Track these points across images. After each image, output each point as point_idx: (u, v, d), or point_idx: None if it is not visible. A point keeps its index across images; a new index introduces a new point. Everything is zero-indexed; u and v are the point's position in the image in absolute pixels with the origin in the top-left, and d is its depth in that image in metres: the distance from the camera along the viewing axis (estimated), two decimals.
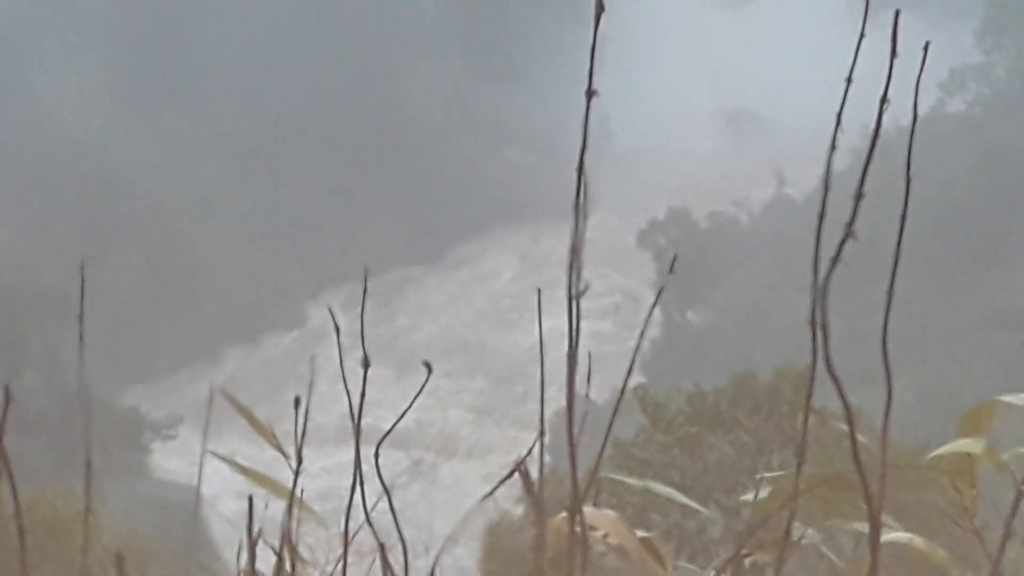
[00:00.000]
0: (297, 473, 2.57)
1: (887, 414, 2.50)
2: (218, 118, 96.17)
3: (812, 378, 2.39)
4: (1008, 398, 3.00)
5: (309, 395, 2.57)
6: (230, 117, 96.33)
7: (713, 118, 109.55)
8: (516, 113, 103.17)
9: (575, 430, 2.36)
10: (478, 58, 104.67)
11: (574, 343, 2.32)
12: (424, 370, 2.86)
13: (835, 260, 2.32)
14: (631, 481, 3.03)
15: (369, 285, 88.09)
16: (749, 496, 2.88)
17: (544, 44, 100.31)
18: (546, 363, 2.55)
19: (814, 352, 2.30)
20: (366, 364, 2.51)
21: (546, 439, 2.58)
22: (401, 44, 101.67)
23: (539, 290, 2.62)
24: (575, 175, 2.54)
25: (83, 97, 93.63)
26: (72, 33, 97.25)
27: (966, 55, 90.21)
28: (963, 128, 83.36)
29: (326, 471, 60.16)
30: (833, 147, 2.80)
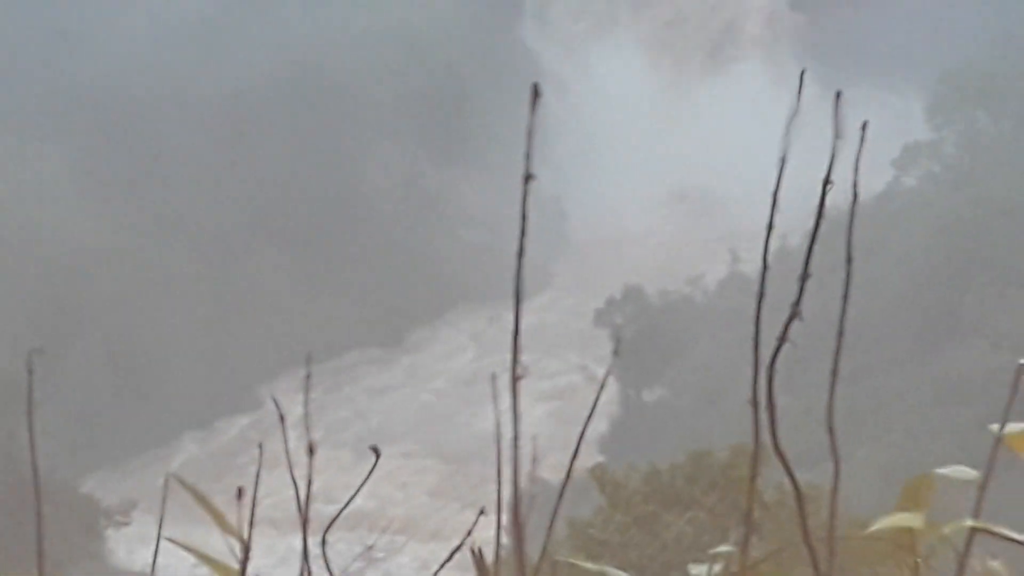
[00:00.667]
0: (244, 561, 2.57)
1: (835, 488, 2.52)
2: (176, 204, 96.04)
3: (756, 457, 2.41)
4: (944, 471, 3.02)
5: (257, 482, 2.57)
6: (187, 203, 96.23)
7: (666, 197, 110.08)
8: (472, 195, 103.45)
9: (521, 511, 2.36)
10: (434, 142, 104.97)
11: (515, 428, 2.33)
12: (382, 453, 2.87)
13: (781, 340, 2.35)
14: (587, 565, 3.04)
15: (326, 368, 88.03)
16: (700, 570, 2.88)
17: (500, 127, 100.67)
18: (503, 445, 2.55)
19: (756, 432, 2.32)
20: (311, 451, 2.52)
21: (502, 521, 2.58)
22: (357, 128, 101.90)
23: (494, 374, 2.63)
24: (517, 260, 2.56)
25: (41, 185, 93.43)
26: (30, 121, 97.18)
27: (918, 132, 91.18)
28: (916, 203, 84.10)
29: (282, 558, 59.83)
30: (770, 228, 2.82)
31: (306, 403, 2.91)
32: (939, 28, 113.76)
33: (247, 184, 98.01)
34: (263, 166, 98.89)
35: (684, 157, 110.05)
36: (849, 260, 2.93)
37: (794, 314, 2.42)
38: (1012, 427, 2.79)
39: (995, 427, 2.75)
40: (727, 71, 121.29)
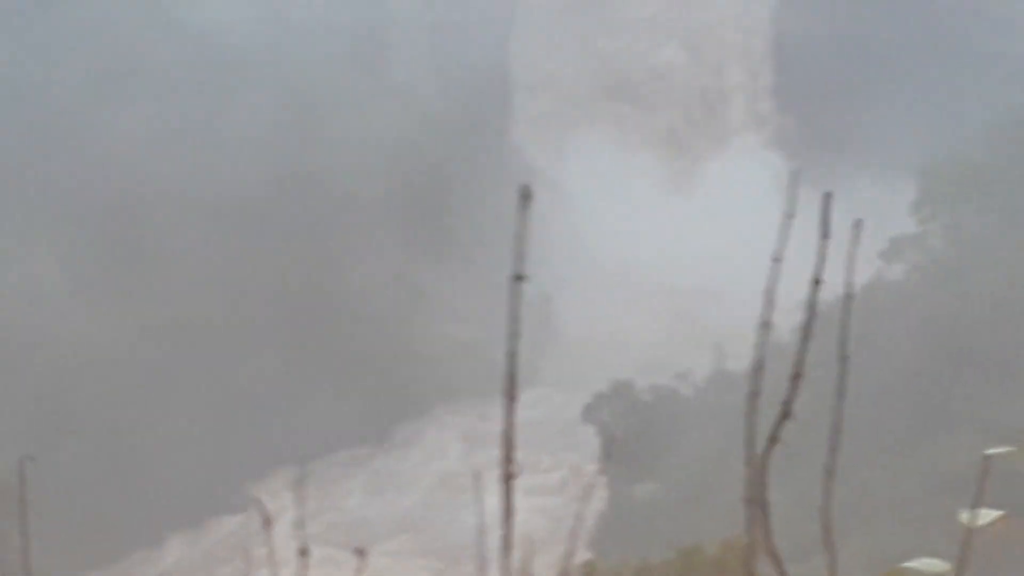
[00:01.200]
0: None
1: None
2: (167, 305, 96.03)
3: (752, 556, 2.43)
4: (913, 563, 3.03)
5: None
6: (178, 303, 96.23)
7: (654, 292, 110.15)
8: (460, 291, 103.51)
9: None
10: (423, 240, 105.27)
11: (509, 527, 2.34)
12: (370, 552, 2.87)
13: (773, 439, 2.36)
14: None
15: (315, 467, 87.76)
16: None
17: (488, 224, 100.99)
18: (492, 543, 2.57)
19: (750, 532, 2.32)
20: (303, 552, 2.52)
21: None
22: (347, 227, 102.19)
23: (479, 473, 2.65)
24: (508, 361, 2.59)
25: (33, 285, 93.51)
26: (22, 220, 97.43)
27: (904, 224, 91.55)
28: (902, 296, 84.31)
29: None
30: (764, 326, 2.83)
31: (298, 504, 2.90)
32: (926, 121, 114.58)
33: (238, 284, 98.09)
34: (254, 266, 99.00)
35: (672, 253, 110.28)
36: (844, 359, 2.94)
37: (786, 413, 2.44)
38: (983, 514, 2.80)
39: (965, 515, 2.75)
40: (714, 168, 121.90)
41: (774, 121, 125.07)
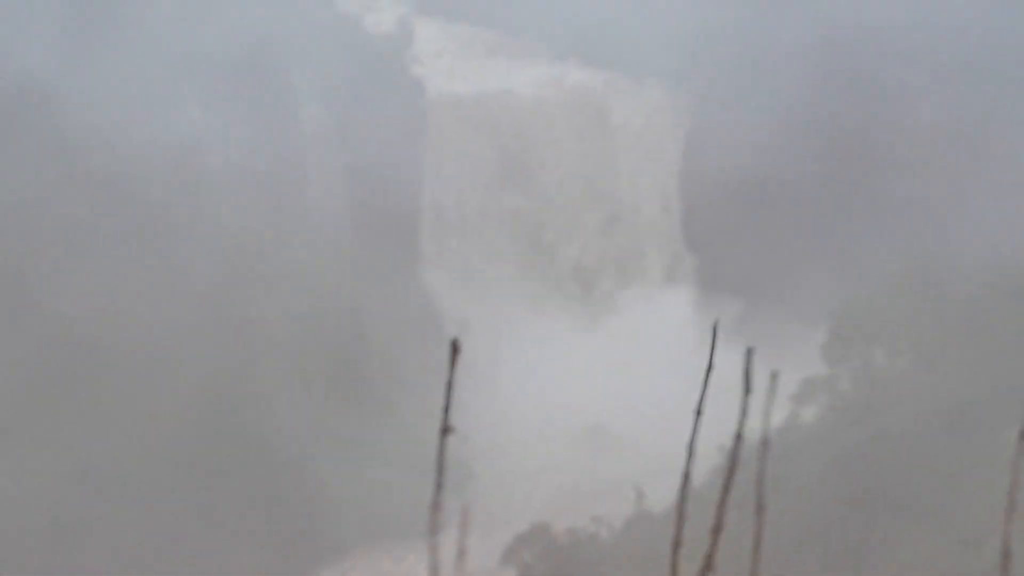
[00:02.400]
0: None
1: None
2: (78, 448, 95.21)
3: None
4: None
5: None
6: (90, 445, 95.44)
7: (572, 435, 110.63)
8: (379, 434, 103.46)
9: None
10: (340, 382, 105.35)
11: None
12: None
13: None
14: None
15: None
16: None
17: (403, 366, 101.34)
18: None
19: None
20: None
21: None
22: (261, 369, 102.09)
23: None
24: (430, 512, 3.02)
25: None
26: None
27: (816, 366, 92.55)
28: (815, 437, 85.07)
29: None
30: (686, 477, 3.26)
31: None
32: (835, 264, 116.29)
33: (151, 426, 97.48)
34: (169, 409, 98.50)
35: (589, 395, 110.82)
36: (761, 508, 3.38)
37: (708, 566, 2.89)
38: None
39: None
40: (627, 310, 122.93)
41: (686, 263, 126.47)
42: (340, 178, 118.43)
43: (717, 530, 2.86)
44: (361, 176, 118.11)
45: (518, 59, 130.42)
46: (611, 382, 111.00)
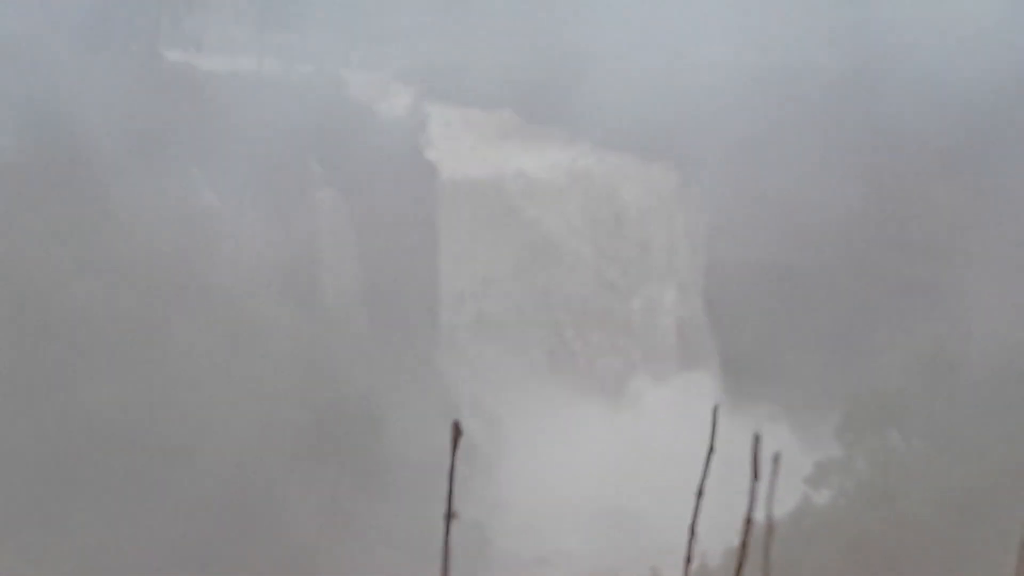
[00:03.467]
0: None
1: None
2: (90, 535, 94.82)
3: None
4: None
5: None
6: (101, 531, 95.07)
7: (588, 515, 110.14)
8: (391, 519, 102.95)
9: None
10: (352, 465, 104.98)
11: None
12: None
13: None
14: None
15: None
16: None
17: (415, 449, 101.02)
18: None
19: None
20: None
21: None
22: (275, 452, 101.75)
23: None
24: None
25: None
26: None
27: (829, 448, 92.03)
28: (829, 521, 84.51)
29: None
30: (688, 560, 3.13)
31: None
32: (849, 346, 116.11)
33: (164, 516, 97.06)
34: (185, 497, 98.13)
35: (604, 475, 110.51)
36: None
37: None
38: None
39: None
40: (645, 393, 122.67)
41: (703, 345, 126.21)
42: (354, 263, 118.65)
43: None
44: (375, 261, 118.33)
45: (531, 142, 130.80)
46: (628, 465, 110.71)
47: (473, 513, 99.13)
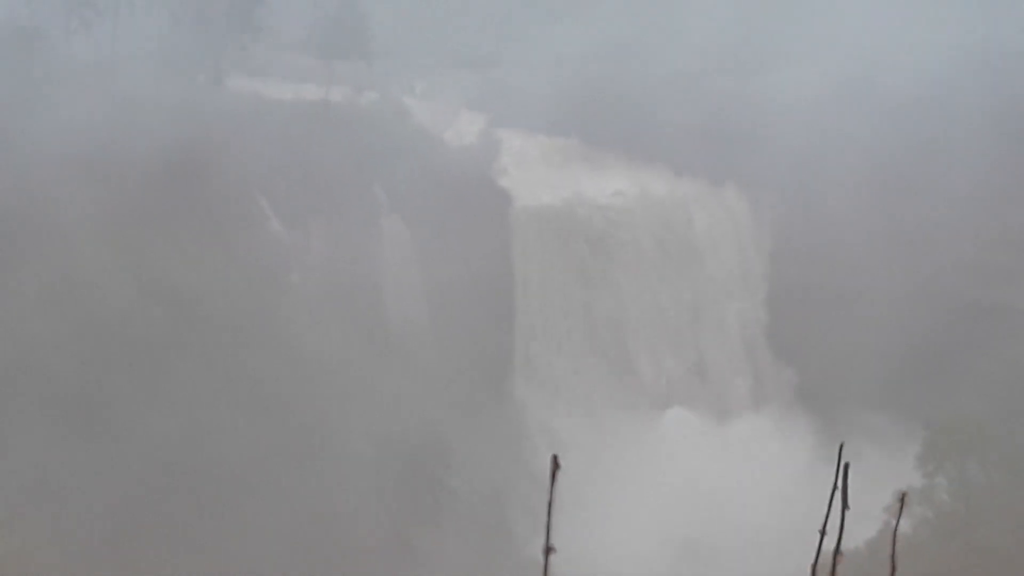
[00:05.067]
0: None
1: None
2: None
3: None
4: None
5: None
6: (176, 569, 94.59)
7: (661, 546, 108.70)
8: (459, 552, 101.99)
9: None
10: (419, 499, 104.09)
11: None
12: None
13: None
14: None
15: None
16: None
17: (484, 480, 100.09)
18: None
19: None
20: None
21: None
22: (342, 485, 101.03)
23: None
24: None
25: None
26: None
27: (910, 477, 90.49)
28: (909, 550, 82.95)
29: None
30: None
31: None
32: (927, 374, 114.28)
33: (243, 547, 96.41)
34: (256, 530, 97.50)
35: (679, 506, 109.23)
36: None
37: None
38: None
39: None
40: (721, 423, 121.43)
41: (779, 376, 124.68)
42: (420, 292, 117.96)
43: None
44: (443, 290, 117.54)
45: (599, 168, 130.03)
46: (704, 495, 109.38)
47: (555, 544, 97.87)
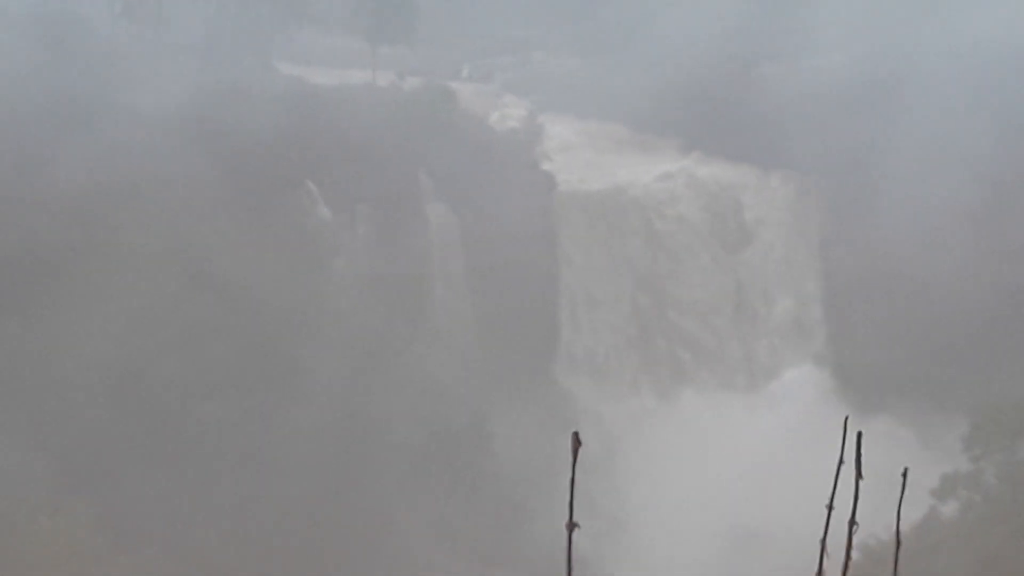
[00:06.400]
0: None
1: None
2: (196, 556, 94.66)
3: None
4: None
5: None
6: (213, 547, 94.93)
7: (712, 533, 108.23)
8: (498, 536, 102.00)
9: None
10: (461, 481, 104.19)
11: None
12: None
13: None
14: None
15: None
16: None
17: (527, 462, 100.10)
18: None
19: None
20: None
21: None
22: (384, 470, 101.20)
23: None
24: None
25: None
26: None
27: (957, 461, 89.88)
28: (956, 535, 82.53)
29: None
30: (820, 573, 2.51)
31: None
32: (975, 357, 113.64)
33: (284, 525, 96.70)
34: (298, 510, 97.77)
35: (726, 491, 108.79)
36: None
37: None
38: None
39: None
40: (765, 405, 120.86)
41: (822, 355, 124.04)
42: (465, 278, 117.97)
43: None
44: (488, 275, 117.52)
45: (645, 153, 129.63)
46: (752, 480, 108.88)
47: (592, 525, 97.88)
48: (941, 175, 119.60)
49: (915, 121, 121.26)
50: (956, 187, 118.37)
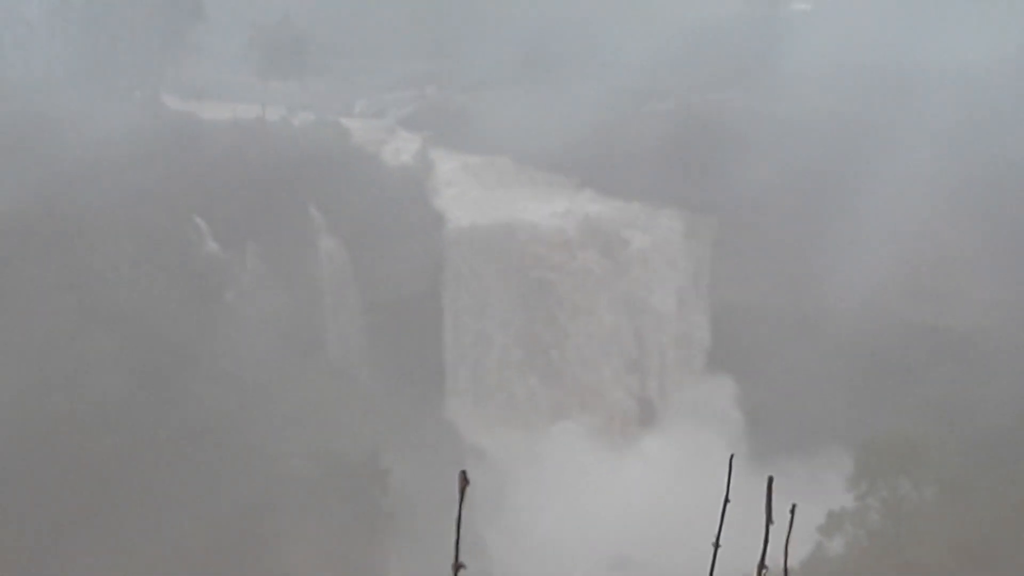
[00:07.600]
0: None
1: None
2: None
3: None
4: None
5: None
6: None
7: (594, 565, 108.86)
8: (399, 567, 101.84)
9: None
10: (360, 518, 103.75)
11: None
12: None
13: None
14: None
15: None
16: None
17: (426, 500, 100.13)
18: None
19: None
20: None
21: None
22: (280, 505, 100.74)
23: None
24: None
25: None
26: None
27: (842, 499, 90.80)
28: (842, 571, 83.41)
29: None
30: None
31: None
32: (861, 394, 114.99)
33: (176, 566, 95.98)
34: (192, 548, 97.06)
35: (610, 524, 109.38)
36: None
37: None
38: None
39: None
40: (651, 439, 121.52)
41: (708, 388, 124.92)
42: (357, 312, 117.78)
43: None
44: (379, 310, 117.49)
45: (535, 189, 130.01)
46: (635, 514, 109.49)
47: (481, 564, 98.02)
48: (829, 212, 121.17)
49: (810, 157, 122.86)
50: (843, 225, 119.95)
